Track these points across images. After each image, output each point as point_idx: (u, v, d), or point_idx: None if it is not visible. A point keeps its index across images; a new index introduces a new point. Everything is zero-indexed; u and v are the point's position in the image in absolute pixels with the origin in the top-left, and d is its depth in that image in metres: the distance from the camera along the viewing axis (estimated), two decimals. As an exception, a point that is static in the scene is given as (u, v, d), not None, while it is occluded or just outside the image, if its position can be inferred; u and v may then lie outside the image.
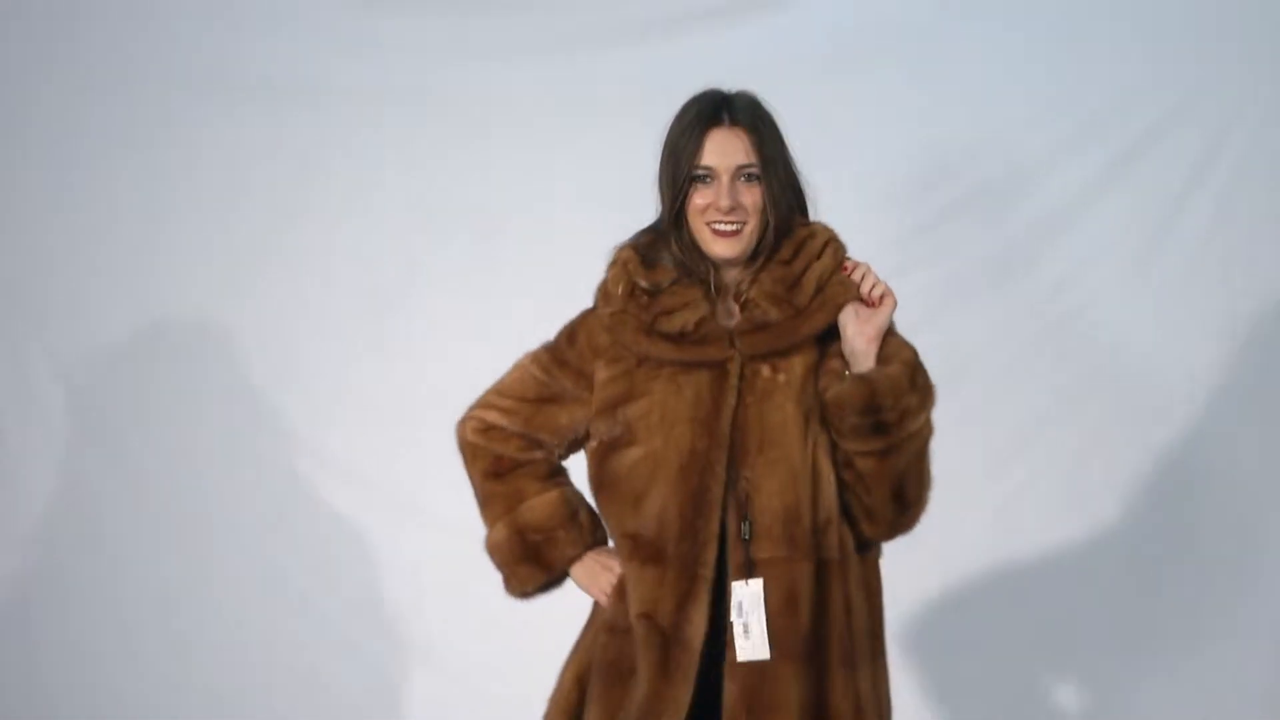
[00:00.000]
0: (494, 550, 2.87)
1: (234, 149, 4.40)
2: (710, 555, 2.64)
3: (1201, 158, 4.21)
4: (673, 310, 2.71)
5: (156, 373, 4.42)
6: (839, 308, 2.70)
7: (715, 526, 2.64)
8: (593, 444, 2.77)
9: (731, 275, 2.75)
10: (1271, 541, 4.18)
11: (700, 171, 2.71)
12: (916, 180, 4.25)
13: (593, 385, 2.78)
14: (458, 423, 2.92)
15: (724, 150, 2.71)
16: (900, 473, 2.65)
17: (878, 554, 2.77)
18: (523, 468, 2.86)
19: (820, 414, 2.66)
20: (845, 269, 2.73)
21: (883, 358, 2.67)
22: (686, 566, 2.64)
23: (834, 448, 2.66)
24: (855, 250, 2.78)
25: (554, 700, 2.82)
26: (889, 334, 2.70)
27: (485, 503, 2.89)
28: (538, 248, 4.31)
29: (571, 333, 2.84)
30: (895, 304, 2.70)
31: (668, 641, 2.64)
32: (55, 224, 4.44)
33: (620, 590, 2.73)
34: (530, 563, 2.84)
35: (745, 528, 2.63)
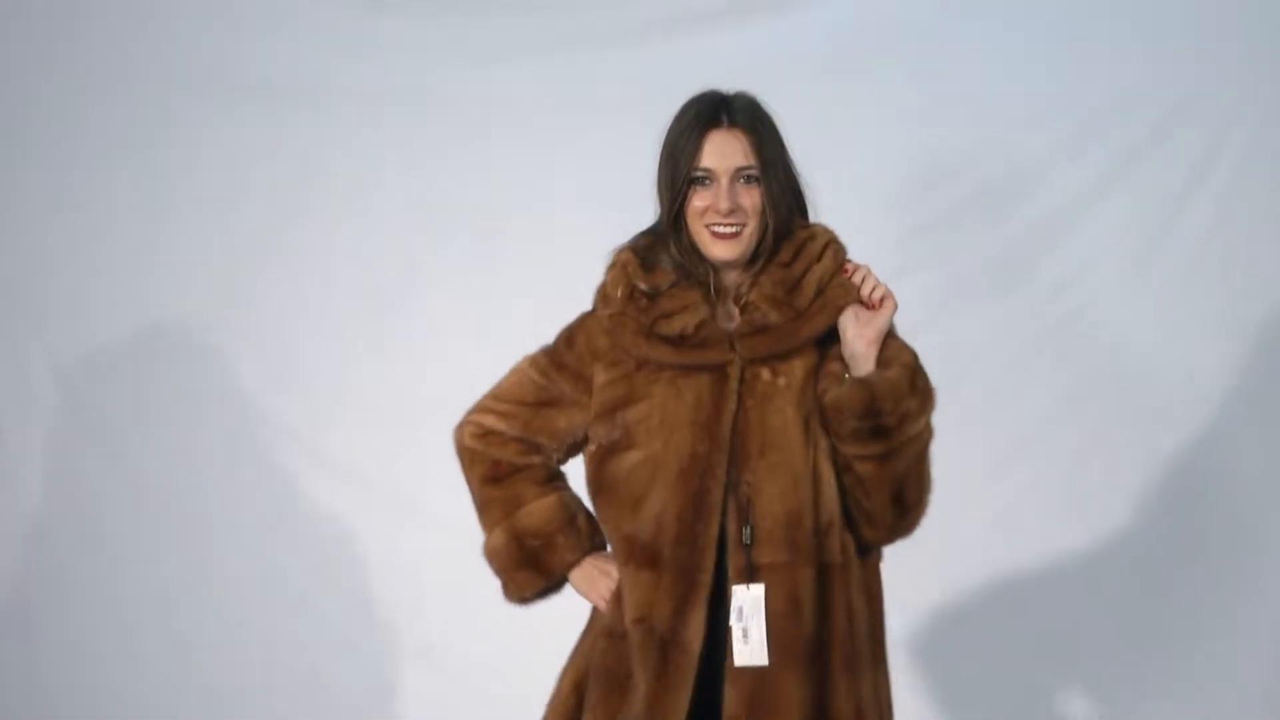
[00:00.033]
0: (492, 556, 2.86)
1: (234, 149, 4.40)
2: (710, 560, 2.63)
3: (1202, 158, 4.21)
4: (672, 313, 2.70)
5: (156, 373, 4.43)
6: (839, 310, 2.68)
7: (715, 531, 2.63)
8: (591, 447, 2.76)
9: (731, 278, 2.74)
10: (1272, 542, 4.18)
11: (699, 173, 2.70)
12: (916, 181, 4.24)
13: (592, 389, 2.77)
14: (455, 428, 2.90)
15: (723, 152, 2.70)
16: (900, 476, 2.64)
17: (878, 558, 2.77)
18: (521, 473, 2.84)
19: (821, 417, 2.65)
20: (845, 271, 2.72)
21: (882, 361, 2.65)
22: (685, 571, 2.63)
23: (835, 451, 2.65)
24: (855, 251, 2.78)
25: (552, 706, 2.81)
26: (889, 337, 2.69)
27: (483, 508, 2.87)
28: (538, 248, 4.31)
29: (570, 336, 2.83)
30: (895, 307, 2.69)
31: (665, 646, 2.63)
32: (55, 224, 4.45)
33: (619, 595, 2.72)
34: (528, 568, 2.83)
35: (747, 532, 2.62)
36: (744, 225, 2.70)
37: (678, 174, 2.70)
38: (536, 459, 2.84)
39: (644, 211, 2.80)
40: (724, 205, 2.68)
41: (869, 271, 2.72)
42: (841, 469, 2.65)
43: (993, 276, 4.25)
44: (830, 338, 2.70)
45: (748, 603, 2.61)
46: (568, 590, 2.86)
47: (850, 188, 3.95)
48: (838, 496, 2.66)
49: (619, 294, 2.74)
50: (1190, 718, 4.15)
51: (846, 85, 4.23)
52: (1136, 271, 4.23)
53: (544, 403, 2.82)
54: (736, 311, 2.72)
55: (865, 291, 2.70)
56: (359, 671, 4.37)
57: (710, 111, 2.72)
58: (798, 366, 2.68)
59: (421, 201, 4.39)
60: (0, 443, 4.43)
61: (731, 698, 2.62)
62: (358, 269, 4.40)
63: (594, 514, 2.80)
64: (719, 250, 2.70)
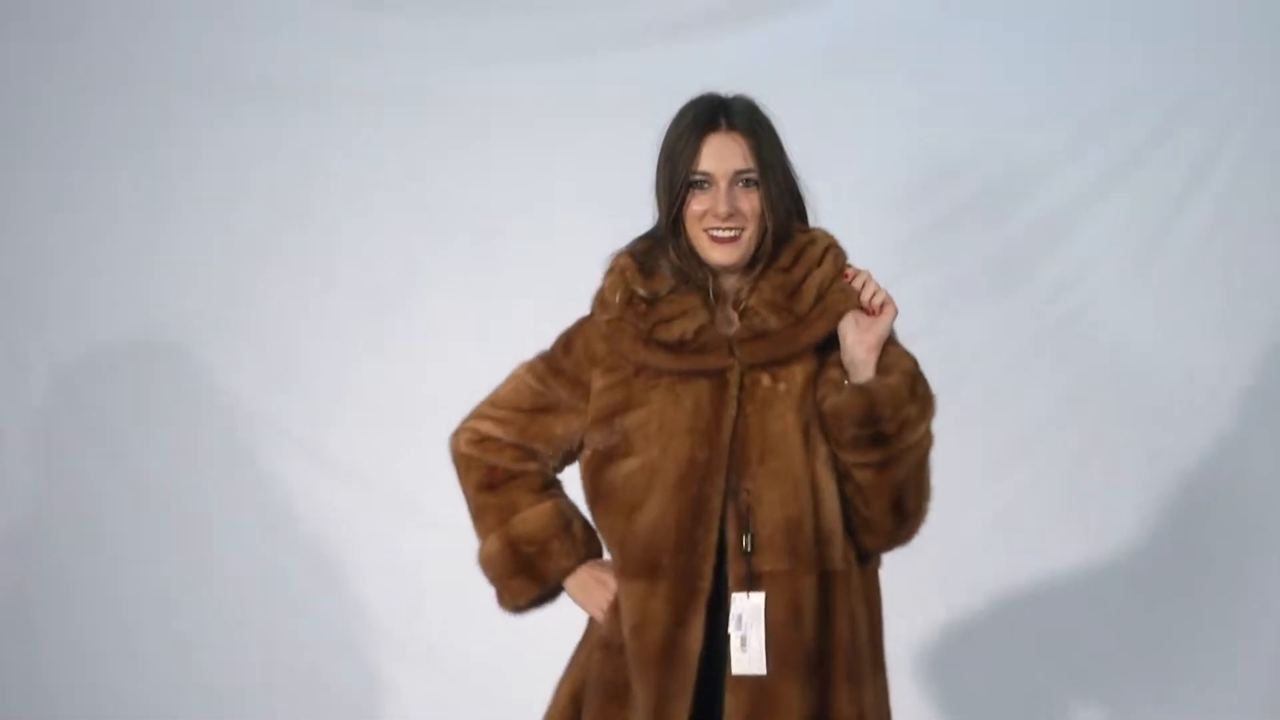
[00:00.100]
0: (486, 564, 2.84)
1: (234, 149, 4.40)
2: (709, 567, 2.62)
3: (1202, 158, 4.21)
4: (671, 319, 2.69)
5: (156, 373, 4.42)
6: (839, 316, 2.66)
7: (715, 538, 2.62)
8: (586, 453, 2.74)
9: (730, 282, 2.73)
10: (1273, 542, 4.18)
11: (697, 177, 2.68)
12: (916, 182, 4.24)
13: (589, 394, 2.75)
14: (451, 435, 2.89)
15: (721, 155, 2.68)
16: (899, 484, 2.63)
17: (877, 564, 2.76)
18: (516, 479, 2.82)
19: (820, 424, 2.64)
20: (846, 276, 2.70)
21: (882, 367, 2.64)
22: (684, 578, 2.62)
23: (835, 458, 2.64)
24: (855, 252, 2.77)
25: (549, 717, 2.80)
26: (889, 343, 2.68)
27: (478, 515, 2.86)
28: (538, 248, 4.31)
29: (568, 341, 2.81)
30: (896, 313, 2.67)
31: (665, 654, 2.62)
32: (55, 224, 4.44)
33: (616, 607, 2.70)
34: (523, 575, 2.81)
35: (747, 540, 2.61)
36: (743, 229, 2.68)
37: (676, 177, 2.69)
38: (532, 466, 2.82)
39: (644, 212, 2.79)
40: (723, 209, 2.66)
41: (869, 277, 2.70)
42: (841, 476, 2.64)
43: (993, 277, 4.25)
44: (830, 343, 2.68)
45: (747, 611, 2.60)
46: (564, 598, 2.85)
47: (850, 189, 3.96)
48: (839, 504, 2.64)
49: (617, 299, 2.72)
50: (1190, 717, 4.15)
51: (846, 86, 4.23)
52: (1136, 272, 4.23)
53: (541, 409, 2.80)
54: (736, 317, 2.71)
55: (865, 297, 2.68)
56: (359, 671, 4.37)
57: (708, 114, 2.71)
58: (798, 372, 2.67)
59: (421, 201, 4.39)
60: (0, 443, 4.42)
61: (732, 706, 2.61)
62: (358, 269, 4.40)
63: (591, 522, 2.78)
64: (718, 254, 2.69)
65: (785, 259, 2.70)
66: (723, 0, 4.30)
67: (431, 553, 4.21)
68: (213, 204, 4.42)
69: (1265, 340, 4.19)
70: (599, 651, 2.74)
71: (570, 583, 2.80)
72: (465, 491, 2.88)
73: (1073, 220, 4.24)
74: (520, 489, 2.82)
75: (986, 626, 4.20)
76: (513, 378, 2.85)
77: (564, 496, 2.85)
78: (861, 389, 2.61)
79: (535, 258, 4.30)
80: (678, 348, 2.67)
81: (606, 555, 2.79)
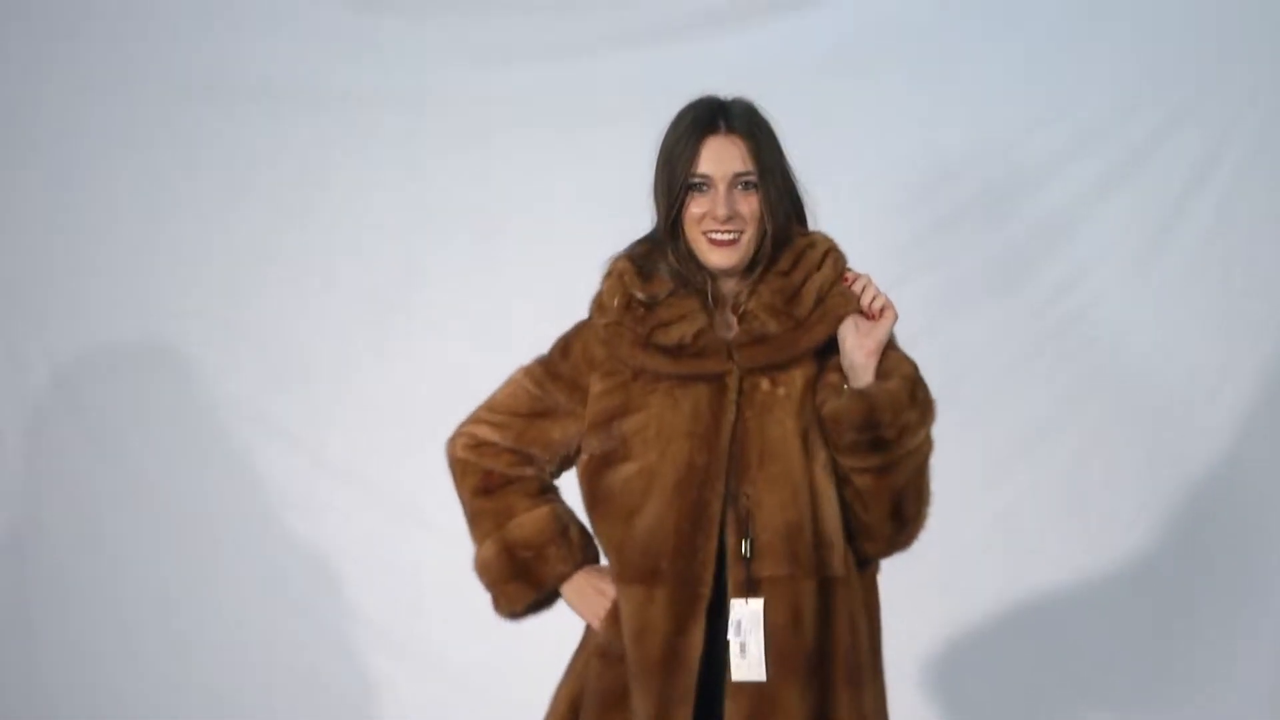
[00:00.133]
0: (483, 569, 2.83)
1: (234, 150, 4.40)
2: (709, 573, 2.61)
3: (1202, 159, 4.21)
4: (670, 322, 2.68)
5: (156, 373, 4.42)
6: (839, 320, 2.65)
7: (715, 543, 2.61)
8: (584, 458, 2.73)
9: (729, 286, 2.72)
10: (1273, 542, 4.18)
11: (696, 180, 2.68)
12: (917, 183, 4.24)
13: (587, 399, 2.74)
14: (448, 440, 2.88)
15: (720, 158, 2.68)
16: (899, 490, 2.62)
17: (876, 569, 2.75)
18: (513, 484, 2.81)
19: (820, 428, 2.63)
20: (845, 280, 2.69)
21: (882, 372, 2.63)
22: (684, 584, 2.61)
23: (834, 462, 2.63)
24: (855, 254, 2.76)
25: (548, 724, 2.79)
26: (889, 347, 2.67)
27: (474, 520, 2.85)
28: (538, 248, 4.31)
29: (566, 345, 2.81)
30: (896, 317, 2.66)
31: (665, 662, 2.61)
32: (55, 224, 4.44)
33: (614, 615, 2.70)
34: (519, 580, 2.80)
35: (746, 545, 2.60)
36: (742, 232, 2.67)
37: (674, 180, 2.68)
38: (529, 471, 2.81)
39: (644, 213, 2.78)
40: (721, 212, 2.66)
41: (869, 281, 2.69)
42: (840, 481, 2.63)
43: (993, 278, 4.25)
44: (829, 348, 2.67)
45: (746, 617, 2.59)
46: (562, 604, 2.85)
47: (850, 190, 3.95)
48: (838, 509, 2.63)
49: (615, 303, 2.71)
50: (1190, 717, 4.15)
51: (846, 87, 4.22)
52: (1137, 272, 4.23)
53: (538, 414, 2.79)
54: (735, 320, 2.70)
55: (865, 301, 2.67)
56: (359, 672, 4.37)
57: (707, 117, 2.70)
58: (797, 377, 2.66)
59: (421, 202, 4.38)
60: (0, 443, 4.42)
61: (732, 712, 2.60)
62: (358, 269, 4.40)
63: (589, 527, 2.77)
64: (717, 257, 2.68)
65: (784, 262, 2.70)
66: (723, 1, 4.30)
67: (431, 553, 4.22)
68: (213, 204, 4.42)
69: (1265, 340, 4.19)
70: (596, 660, 2.73)
71: (567, 589, 2.79)
72: (461, 496, 2.87)
73: (1073, 221, 4.24)
74: (517, 494, 2.81)
75: (986, 627, 4.20)
76: (510, 382, 2.85)
77: (561, 502, 2.84)
78: (861, 394, 2.61)
79: (535, 258, 4.29)
80: (676, 352, 2.67)
81: (604, 561, 2.77)
